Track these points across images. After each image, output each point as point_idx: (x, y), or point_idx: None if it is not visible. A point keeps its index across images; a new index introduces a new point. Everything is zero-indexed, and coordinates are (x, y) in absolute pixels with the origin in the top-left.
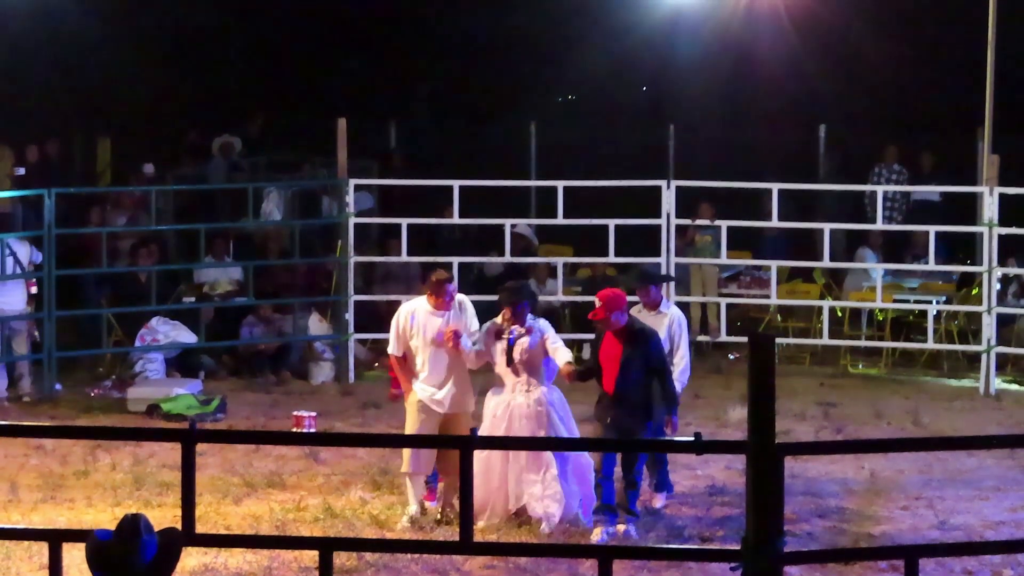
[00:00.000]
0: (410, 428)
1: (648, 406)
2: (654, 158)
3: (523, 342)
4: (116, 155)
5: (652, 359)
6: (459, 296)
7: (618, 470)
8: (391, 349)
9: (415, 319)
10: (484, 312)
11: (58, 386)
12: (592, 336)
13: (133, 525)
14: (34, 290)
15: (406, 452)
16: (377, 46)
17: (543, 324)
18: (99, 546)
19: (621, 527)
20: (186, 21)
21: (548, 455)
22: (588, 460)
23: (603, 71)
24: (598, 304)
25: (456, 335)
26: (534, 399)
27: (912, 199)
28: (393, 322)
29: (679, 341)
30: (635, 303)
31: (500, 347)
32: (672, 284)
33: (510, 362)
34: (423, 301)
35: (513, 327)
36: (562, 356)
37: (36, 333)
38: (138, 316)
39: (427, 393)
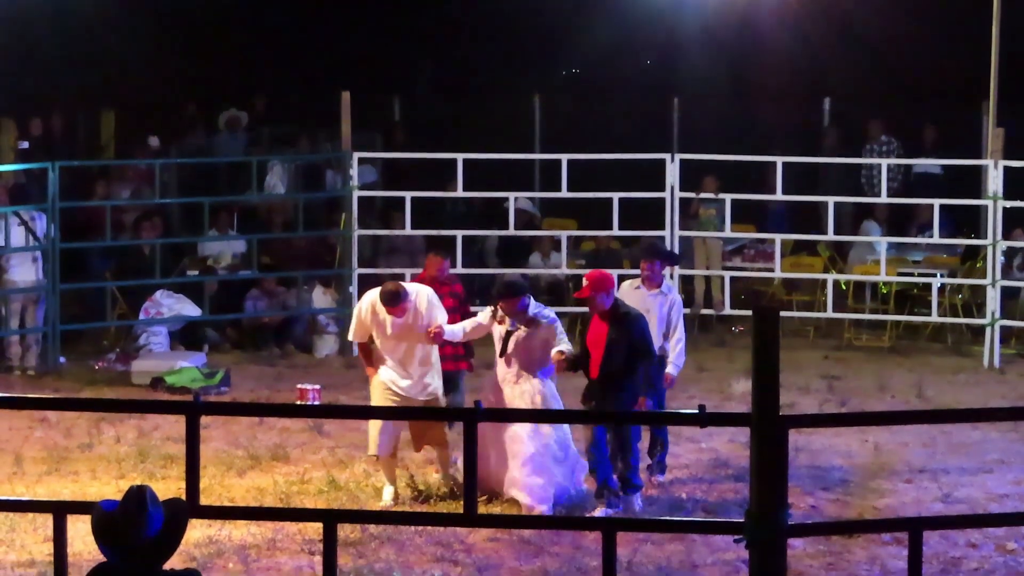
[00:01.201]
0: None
1: (634, 390)
2: (658, 131)
3: (519, 334)
4: (120, 128)
5: (636, 343)
6: (417, 291)
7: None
8: (351, 335)
9: (376, 312)
10: (487, 284)
11: (62, 359)
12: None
13: (139, 497)
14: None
15: (372, 434)
16: (381, 19)
17: (549, 314)
18: (105, 518)
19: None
20: None
21: (528, 444)
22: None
23: (607, 44)
24: (585, 283)
25: (438, 336)
26: (524, 392)
27: (913, 172)
28: (355, 310)
29: (676, 324)
30: (631, 276)
31: (498, 333)
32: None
33: (503, 352)
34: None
35: (514, 320)
36: (558, 347)
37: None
38: (142, 289)
39: (390, 376)
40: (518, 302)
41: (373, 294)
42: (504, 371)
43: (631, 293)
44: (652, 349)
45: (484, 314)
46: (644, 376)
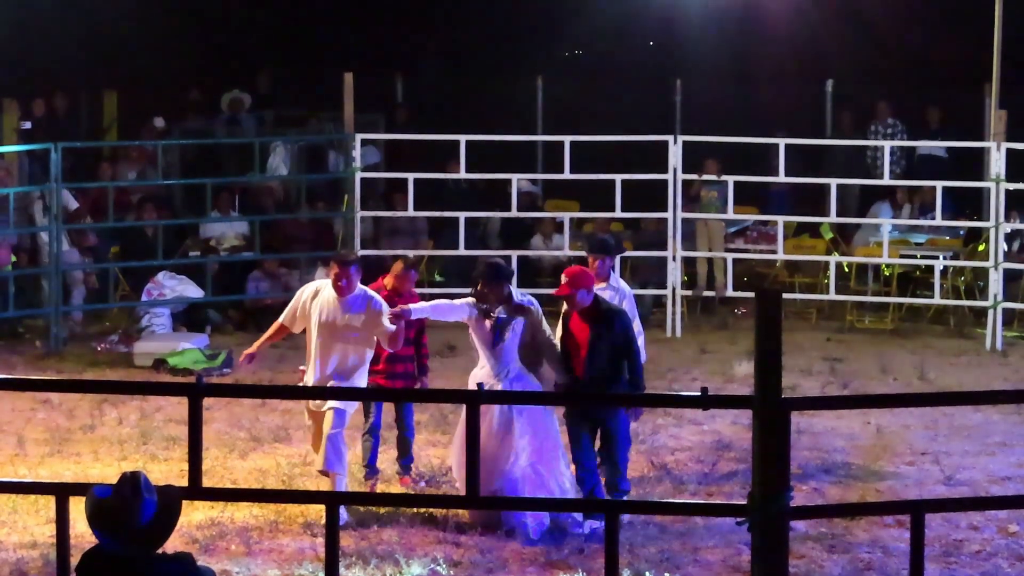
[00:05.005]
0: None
1: (621, 391)
2: (661, 113)
3: (513, 324)
4: (123, 109)
5: (619, 339)
6: (370, 292)
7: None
8: (282, 317)
9: (318, 297)
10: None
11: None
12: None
13: (133, 483)
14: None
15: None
16: (384, 0)
17: (531, 299)
18: (99, 503)
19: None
20: None
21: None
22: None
23: (610, 25)
24: (564, 280)
25: (399, 317)
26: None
27: (918, 154)
28: (297, 294)
29: (632, 317)
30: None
31: (487, 326)
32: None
33: (495, 344)
34: (330, 284)
35: (500, 308)
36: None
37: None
38: (144, 271)
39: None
40: (503, 287)
41: (319, 281)
42: (492, 366)
43: None
44: (636, 346)
45: (466, 301)
46: (631, 375)
